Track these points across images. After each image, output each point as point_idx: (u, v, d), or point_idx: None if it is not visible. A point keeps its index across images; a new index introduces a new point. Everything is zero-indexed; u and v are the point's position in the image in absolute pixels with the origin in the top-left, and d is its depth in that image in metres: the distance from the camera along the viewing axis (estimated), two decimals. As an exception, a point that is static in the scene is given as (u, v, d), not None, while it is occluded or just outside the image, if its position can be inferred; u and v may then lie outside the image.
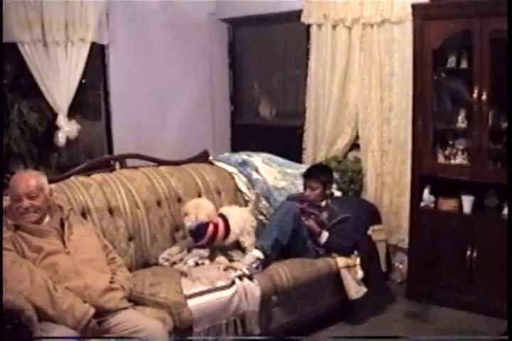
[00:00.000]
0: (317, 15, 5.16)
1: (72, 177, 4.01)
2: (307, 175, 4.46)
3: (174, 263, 3.99)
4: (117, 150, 5.11)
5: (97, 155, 5.09)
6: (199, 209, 3.96)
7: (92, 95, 5.23)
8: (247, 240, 4.12)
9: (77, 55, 4.82)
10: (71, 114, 4.83)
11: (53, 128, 4.78)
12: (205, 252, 3.97)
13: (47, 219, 3.40)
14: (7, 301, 2.88)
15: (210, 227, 3.98)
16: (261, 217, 4.51)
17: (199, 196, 4.44)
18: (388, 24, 4.82)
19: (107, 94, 5.24)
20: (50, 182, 3.58)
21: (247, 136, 6.19)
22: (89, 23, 4.86)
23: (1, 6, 3.76)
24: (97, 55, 5.11)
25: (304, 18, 5.24)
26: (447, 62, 4.48)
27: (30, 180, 3.37)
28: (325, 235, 4.24)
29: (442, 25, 4.34)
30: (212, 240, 4.00)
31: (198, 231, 3.94)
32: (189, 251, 4.04)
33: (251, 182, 4.70)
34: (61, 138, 4.75)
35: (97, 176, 4.09)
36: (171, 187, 4.33)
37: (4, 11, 4.45)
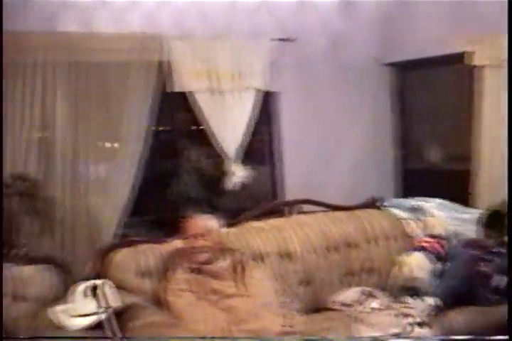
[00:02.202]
0: (489, 57, 5.09)
1: (245, 222, 4.18)
2: (483, 221, 4.39)
3: (349, 305, 4.03)
4: (288, 195, 5.28)
5: (265, 201, 5.26)
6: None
7: (260, 141, 5.42)
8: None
9: (246, 102, 5.06)
10: (240, 159, 5.04)
11: (223, 173, 5.01)
12: None
13: (221, 261, 3.58)
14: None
15: None
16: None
17: (368, 242, 4.48)
18: None
19: (273, 139, 5.43)
20: (224, 226, 3.79)
21: (414, 180, 6.15)
22: (256, 70, 5.09)
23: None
24: (265, 101, 5.31)
25: (475, 60, 5.19)
26: None
27: (200, 222, 3.63)
28: (501, 280, 4.13)
29: None
30: None
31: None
32: (368, 294, 4.09)
33: (423, 228, 4.67)
34: (231, 183, 4.96)
35: (270, 221, 4.25)
36: (343, 232, 4.40)
37: (173, 62, 4.81)
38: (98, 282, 3.29)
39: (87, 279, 3.50)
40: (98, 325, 3.20)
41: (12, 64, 4.43)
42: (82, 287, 3.28)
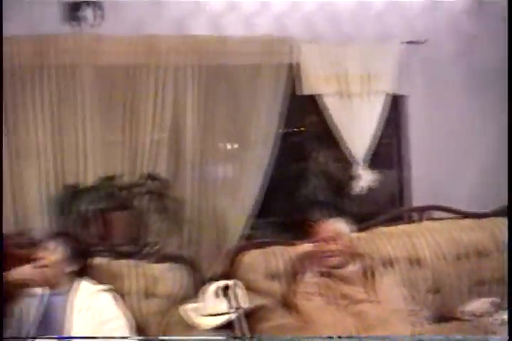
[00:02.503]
0: None
1: (374, 227, 4.15)
2: None
3: (478, 316, 3.91)
4: (414, 200, 5.20)
5: (391, 205, 5.22)
6: None
7: (387, 145, 5.34)
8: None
9: (374, 105, 5.00)
10: (367, 163, 4.99)
11: (351, 177, 4.98)
12: None
13: (351, 266, 3.55)
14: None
15: None
16: None
17: (499, 251, 4.33)
18: None
19: (401, 143, 5.36)
20: (353, 231, 3.76)
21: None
22: (385, 74, 5.02)
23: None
24: (393, 104, 5.23)
25: None
26: None
27: (331, 225, 3.62)
28: None
29: None
30: None
31: None
32: (499, 305, 3.95)
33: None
34: (359, 187, 4.92)
35: (400, 227, 4.20)
36: (473, 240, 4.28)
37: (303, 65, 4.83)
38: (230, 282, 3.31)
39: (215, 279, 3.54)
40: (226, 326, 3.22)
41: (145, 66, 4.55)
42: (213, 287, 3.31)
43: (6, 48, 4.28)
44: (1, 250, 3.41)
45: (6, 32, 4.25)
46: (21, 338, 3.21)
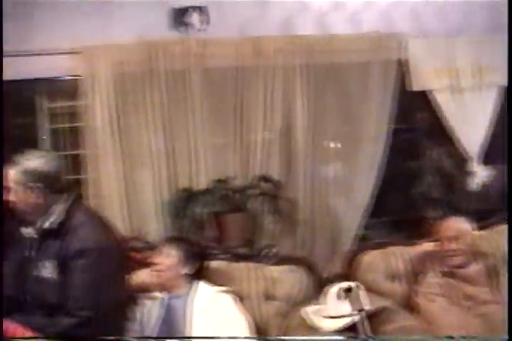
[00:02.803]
0: None
1: (496, 225, 4.02)
2: None
3: None
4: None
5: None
6: None
7: (502, 139, 5.16)
8: None
9: (487, 99, 4.87)
10: (482, 159, 4.86)
11: (465, 173, 4.86)
12: None
13: (474, 266, 3.45)
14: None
15: None
16: None
17: None
18: None
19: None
20: (474, 229, 3.64)
21: None
22: (497, 66, 4.86)
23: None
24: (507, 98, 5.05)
25: None
26: None
27: (454, 224, 3.54)
28: None
29: None
30: None
31: None
32: None
33: None
34: (474, 183, 4.80)
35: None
36: None
37: (411, 60, 4.75)
38: (352, 284, 3.25)
39: (334, 280, 3.49)
40: (348, 328, 3.16)
41: (253, 68, 4.55)
42: (335, 288, 3.27)
43: (115, 55, 4.40)
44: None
45: (115, 39, 4.37)
46: (144, 338, 3.26)
